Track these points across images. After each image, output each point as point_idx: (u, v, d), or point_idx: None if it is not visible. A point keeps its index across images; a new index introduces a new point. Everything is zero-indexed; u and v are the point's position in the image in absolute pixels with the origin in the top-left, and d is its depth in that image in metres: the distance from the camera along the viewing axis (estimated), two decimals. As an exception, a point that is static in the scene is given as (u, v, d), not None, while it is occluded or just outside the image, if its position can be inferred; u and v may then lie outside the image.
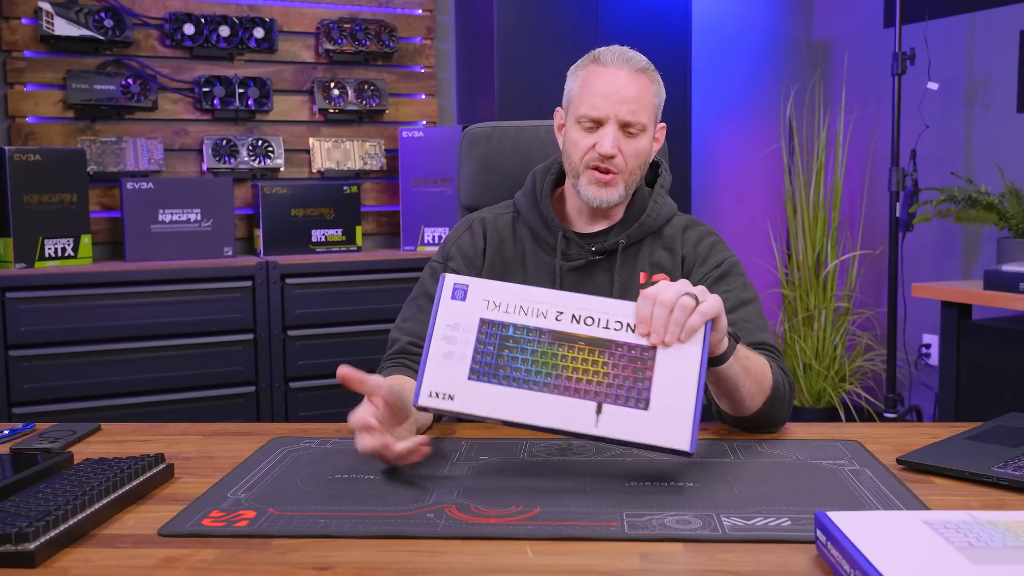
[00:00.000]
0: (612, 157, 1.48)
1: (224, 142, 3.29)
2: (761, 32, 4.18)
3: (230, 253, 3.14)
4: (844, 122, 3.98)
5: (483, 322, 1.18)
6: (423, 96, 3.61)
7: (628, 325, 1.17)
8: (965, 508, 1.03)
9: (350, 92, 3.44)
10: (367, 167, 3.50)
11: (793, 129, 4.12)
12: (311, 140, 3.45)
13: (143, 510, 1.09)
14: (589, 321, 1.17)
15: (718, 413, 1.43)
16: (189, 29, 3.21)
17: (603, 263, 1.56)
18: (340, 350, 3.05)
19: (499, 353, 1.16)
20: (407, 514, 1.05)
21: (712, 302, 1.18)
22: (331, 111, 3.45)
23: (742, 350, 1.29)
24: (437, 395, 1.15)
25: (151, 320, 2.84)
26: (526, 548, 0.96)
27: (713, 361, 1.24)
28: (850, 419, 3.79)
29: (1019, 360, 2.76)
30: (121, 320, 2.81)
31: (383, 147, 3.53)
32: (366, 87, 3.46)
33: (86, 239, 2.95)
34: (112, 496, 1.07)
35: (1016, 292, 2.73)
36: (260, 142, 3.34)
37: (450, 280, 1.20)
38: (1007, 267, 2.80)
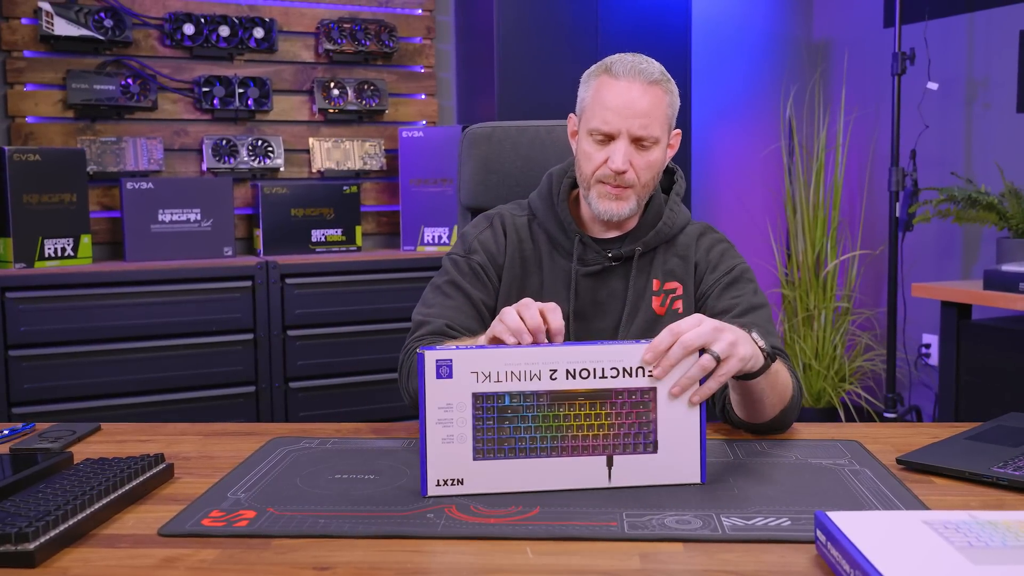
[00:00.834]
0: (623, 173, 1.47)
1: (224, 142, 3.29)
2: (761, 32, 4.18)
3: (230, 253, 3.14)
4: (844, 122, 3.98)
5: (476, 396, 1.11)
6: (423, 96, 3.61)
7: (624, 370, 1.13)
8: (965, 508, 1.03)
9: (350, 92, 3.44)
10: (367, 167, 3.50)
11: (793, 129, 4.12)
12: (311, 140, 3.45)
13: (143, 510, 1.09)
14: (585, 374, 1.12)
15: (722, 413, 1.43)
16: (189, 29, 3.21)
17: (618, 269, 1.56)
18: (340, 350, 3.05)
19: (500, 427, 1.12)
20: (407, 514, 1.05)
21: (734, 363, 1.15)
22: (331, 111, 3.45)
23: (774, 366, 1.28)
24: (445, 482, 1.11)
25: (151, 320, 2.84)
26: (526, 548, 0.96)
27: (743, 376, 1.23)
28: (850, 419, 3.79)
29: (1019, 360, 2.76)
30: (121, 320, 2.81)
31: (383, 147, 3.53)
32: (366, 87, 3.46)
33: (86, 239, 2.95)
34: (112, 496, 1.07)
35: (1016, 292, 2.73)
36: (260, 142, 3.34)
37: (431, 357, 1.10)
38: (1007, 267, 2.80)
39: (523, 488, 1.12)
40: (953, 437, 1.30)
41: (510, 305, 1.23)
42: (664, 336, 1.13)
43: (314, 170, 3.45)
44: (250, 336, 2.96)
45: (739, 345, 1.16)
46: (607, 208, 1.50)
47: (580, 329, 1.53)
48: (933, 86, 3.53)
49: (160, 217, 3.06)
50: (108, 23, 3.09)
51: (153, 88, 3.18)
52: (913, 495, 1.10)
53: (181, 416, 2.80)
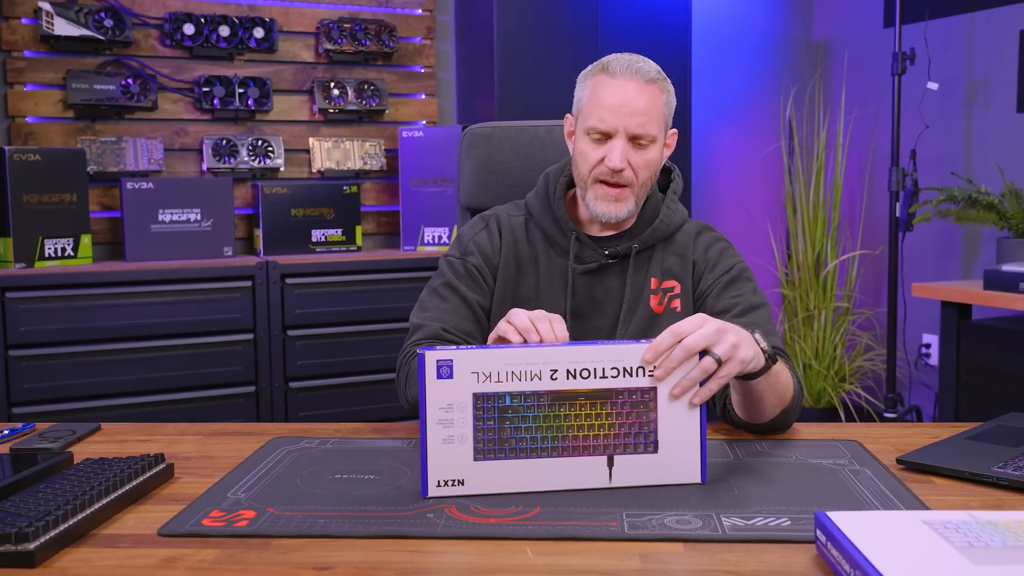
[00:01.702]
0: (621, 171, 1.47)
1: (224, 142, 3.29)
2: (761, 32, 4.18)
3: (230, 253, 3.14)
4: (844, 122, 3.98)
5: (477, 397, 1.11)
6: (423, 96, 3.61)
7: (625, 370, 1.13)
8: (965, 508, 1.03)
9: (350, 92, 3.44)
10: (367, 167, 3.50)
11: (793, 129, 4.12)
12: (311, 140, 3.45)
13: (143, 510, 1.09)
14: (585, 373, 1.12)
15: (722, 413, 1.43)
16: (189, 29, 3.21)
17: (615, 267, 1.56)
18: (340, 350, 3.05)
19: (500, 427, 1.12)
20: (407, 514, 1.05)
21: (735, 365, 1.15)
22: (331, 111, 3.45)
23: (775, 367, 1.28)
24: (446, 483, 1.11)
25: (151, 320, 2.84)
26: (526, 548, 0.96)
27: (744, 376, 1.22)
28: (850, 419, 3.79)
29: (1019, 360, 2.76)
30: (121, 320, 2.81)
31: (383, 147, 3.53)
32: (366, 87, 3.46)
33: (86, 239, 2.95)
34: (112, 496, 1.07)
35: (1016, 292, 2.73)
36: (260, 142, 3.34)
37: (431, 357, 1.10)
38: (1007, 267, 2.81)
39: (524, 488, 1.12)
40: (953, 437, 1.30)
41: (504, 305, 1.24)
42: (665, 336, 1.13)
43: (314, 170, 3.45)
44: (250, 336, 2.96)
45: (741, 347, 1.16)
46: (605, 210, 1.50)
47: (577, 327, 1.53)
48: (933, 86, 3.53)
49: (160, 217, 3.06)
50: (108, 23, 3.09)
51: (153, 88, 3.18)
52: (913, 495, 1.10)
53: (181, 416, 2.80)
